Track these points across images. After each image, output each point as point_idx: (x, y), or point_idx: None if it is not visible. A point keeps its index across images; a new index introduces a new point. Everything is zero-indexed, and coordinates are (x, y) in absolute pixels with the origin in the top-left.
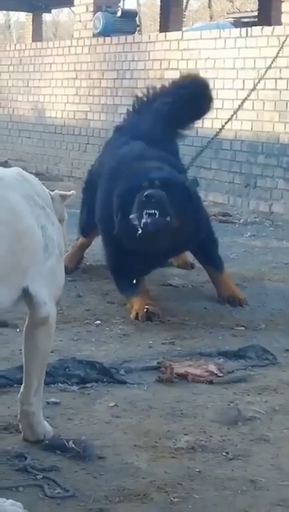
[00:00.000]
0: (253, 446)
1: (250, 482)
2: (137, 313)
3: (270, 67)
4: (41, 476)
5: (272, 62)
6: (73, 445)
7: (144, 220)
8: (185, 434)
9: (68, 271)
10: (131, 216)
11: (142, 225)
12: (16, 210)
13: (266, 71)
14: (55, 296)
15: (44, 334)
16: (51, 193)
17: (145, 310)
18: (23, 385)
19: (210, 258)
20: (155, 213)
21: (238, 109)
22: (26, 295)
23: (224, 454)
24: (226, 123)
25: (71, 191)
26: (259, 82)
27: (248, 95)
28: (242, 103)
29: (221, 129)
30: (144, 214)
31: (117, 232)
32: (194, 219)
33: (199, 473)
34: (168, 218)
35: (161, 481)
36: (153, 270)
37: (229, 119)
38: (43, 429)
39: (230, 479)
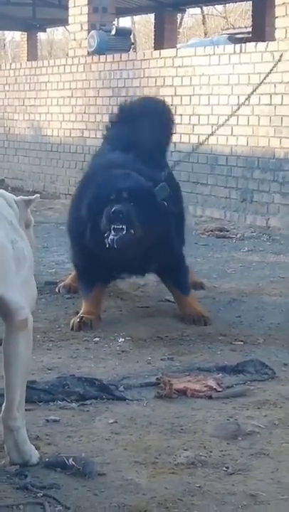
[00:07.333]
0: (252, 460)
1: (251, 497)
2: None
3: (262, 82)
4: (42, 494)
5: (264, 78)
6: (73, 462)
7: (111, 236)
8: (185, 450)
9: (72, 290)
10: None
11: (109, 240)
12: None
13: (258, 86)
14: (30, 305)
15: (24, 340)
16: (16, 198)
17: (78, 319)
18: (5, 401)
19: (177, 282)
20: (122, 228)
21: (229, 117)
22: (1, 304)
23: (224, 468)
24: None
25: (35, 195)
26: (250, 96)
27: (240, 106)
28: (234, 111)
29: (210, 134)
30: (111, 229)
31: (88, 241)
32: (161, 226)
33: (199, 489)
34: (133, 231)
35: (161, 496)
36: (125, 277)
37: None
38: (29, 448)
39: (230, 494)
